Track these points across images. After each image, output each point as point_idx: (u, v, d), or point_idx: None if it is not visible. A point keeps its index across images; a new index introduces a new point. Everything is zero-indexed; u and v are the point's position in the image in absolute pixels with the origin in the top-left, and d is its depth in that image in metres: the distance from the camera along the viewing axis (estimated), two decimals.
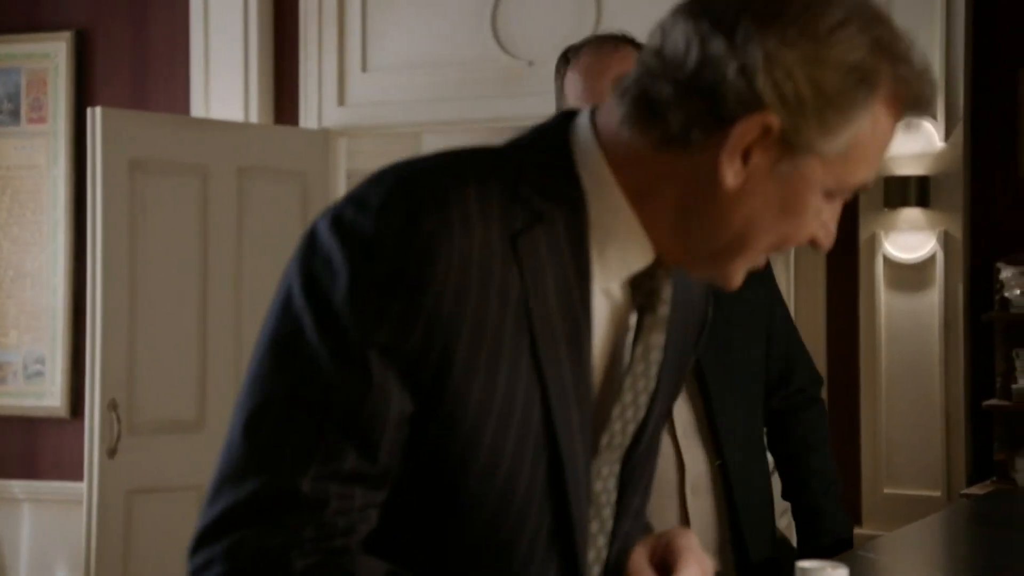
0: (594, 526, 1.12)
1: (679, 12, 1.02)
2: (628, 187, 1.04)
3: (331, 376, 0.97)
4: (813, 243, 1.07)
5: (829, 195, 1.03)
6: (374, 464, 0.99)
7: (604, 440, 1.10)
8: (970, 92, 3.96)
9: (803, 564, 1.25)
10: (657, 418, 1.16)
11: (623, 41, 2.01)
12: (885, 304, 3.89)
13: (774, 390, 2.14)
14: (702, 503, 1.89)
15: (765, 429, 2.15)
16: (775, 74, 0.97)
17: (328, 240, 0.99)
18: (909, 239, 3.93)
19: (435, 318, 0.97)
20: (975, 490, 3.55)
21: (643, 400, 1.12)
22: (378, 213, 0.98)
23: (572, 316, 1.03)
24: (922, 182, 3.91)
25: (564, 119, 1.09)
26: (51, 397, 4.82)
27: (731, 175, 1.00)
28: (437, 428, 1.01)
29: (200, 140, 4.40)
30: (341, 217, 1.00)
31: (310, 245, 1.01)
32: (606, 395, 1.09)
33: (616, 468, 1.13)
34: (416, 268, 0.96)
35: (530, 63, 4.63)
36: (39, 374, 4.85)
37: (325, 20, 4.88)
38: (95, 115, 4.18)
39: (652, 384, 1.12)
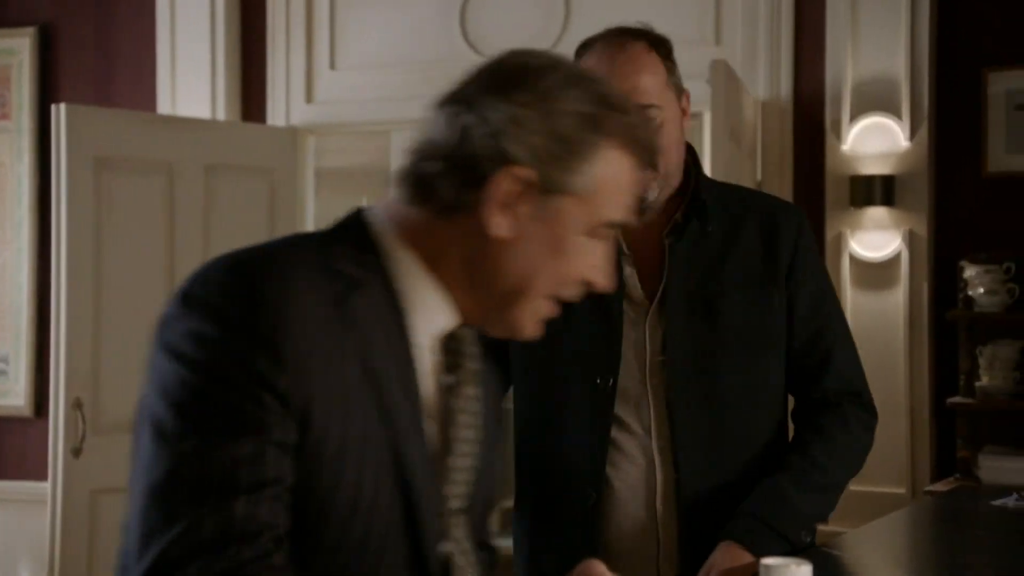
0: (454, 555, 1.21)
1: (437, 104, 1.21)
2: (422, 257, 1.18)
3: (225, 417, 1.04)
4: (589, 284, 1.22)
5: (591, 233, 1.18)
6: (282, 482, 1.07)
7: (448, 490, 1.20)
8: (935, 92, 4.00)
9: (767, 561, 1.26)
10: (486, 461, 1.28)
11: (637, 36, 1.97)
12: (851, 302, 3.92)
13: (805, 391, 1.98)
14: (668, 513, 1.87)
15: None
16: (516, 132, 1.14)
17: (182, 314, 1.09)
18: (875, 238, 3.96)
19: (294, 369, 1.06)
20: (939, 487, 3.58)
21: (468, 449, 1.23)
22: (222, 287, 1.09)
23: (401, 367, 1.15)
24: (887, 181, 3.94)
25: (358, 211, 1.23)
26: (15, 396, 4.78)
27: (496, 225, 1.15)
28: (303, 472, 1.08)
29: (166, 137, 4.37)
30: (189, 294, 1.10)
31: (166, 324, 1.11)
32: (444, 443, 1.20)
33: (466, 536, 1.24)
34: (269, 327, 1.06)
35: None
36: (3, 373, 4.81)
37: (293, 17, 4.86)
38: (59, 112, 4.15)
39: (479, 434, 1.24)
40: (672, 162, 1.93)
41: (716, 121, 3.59)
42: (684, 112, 1.99)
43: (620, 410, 1.89)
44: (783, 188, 4.05)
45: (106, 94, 4.97)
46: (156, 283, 4.20)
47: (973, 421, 3.79)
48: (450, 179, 1.16)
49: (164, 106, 4.82)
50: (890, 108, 3.96)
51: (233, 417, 1.05)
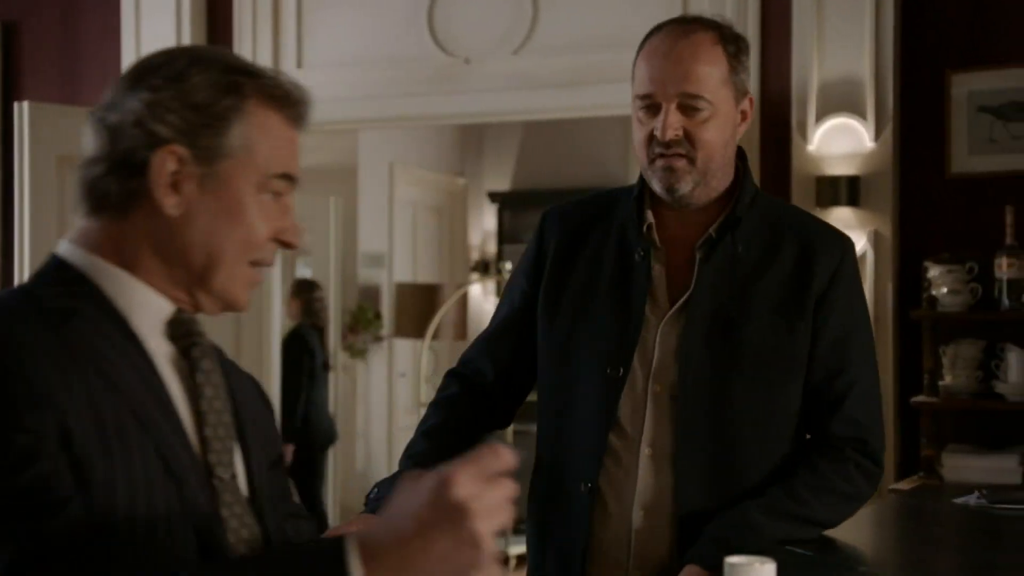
0: (240, 546, 1.25)
1: (88, 120, 1.28)
2: (120, 263, 1.24)
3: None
4: (283, 244, 1.29)
5: (262, 188, 1.25)
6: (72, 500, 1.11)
7: (212, 459, 1.24)
8: (899, 93, 4.03)
9: (731, 560, 1.27)
10: (260, 461, 1.33)
11: (710, 26, 1.89)
12: None
13: (812, 428, 1.90)
14: (648, 526, 1.84)
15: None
16: (157, 112, 1.22)
17: None
18: None
19: (38, 405, 1.09)
20: (903, 485, 3.61)
21: (226, 419, 1.28)
22: None
23: (140, 371, 1.20)
24: (852, 182, 3.97)
25: (51, 255, 1.28)
26: None
27: (170, 206, 1.22)
28: (82, 495, 1.12)
29: None
30: None
31: None
32: (200, 424, 1.25)
33: (242, 500, 1.28)
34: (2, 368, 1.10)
35: (466, 60, 4.62)
36: None
37: (260, 16, 4.83)
38: (22, 110, 4.11)
39: (227, 404, 1.29)
40: (714, 161, 1.87)
41: None
42: (744, 116, 1.92)
43: (620, 409, 1.87)
44: None
45: (70, 92, 4.93)
46: None
47: (937, 419, 3.83)
48: (114, 178, 1.23)
49: None
50: (855, 109, 3.99)
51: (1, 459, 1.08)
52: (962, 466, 3.57)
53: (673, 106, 1.85)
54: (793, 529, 1.77)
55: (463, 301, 7.53)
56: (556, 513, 1.92)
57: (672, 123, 1.84)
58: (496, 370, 2.04)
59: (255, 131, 1.25)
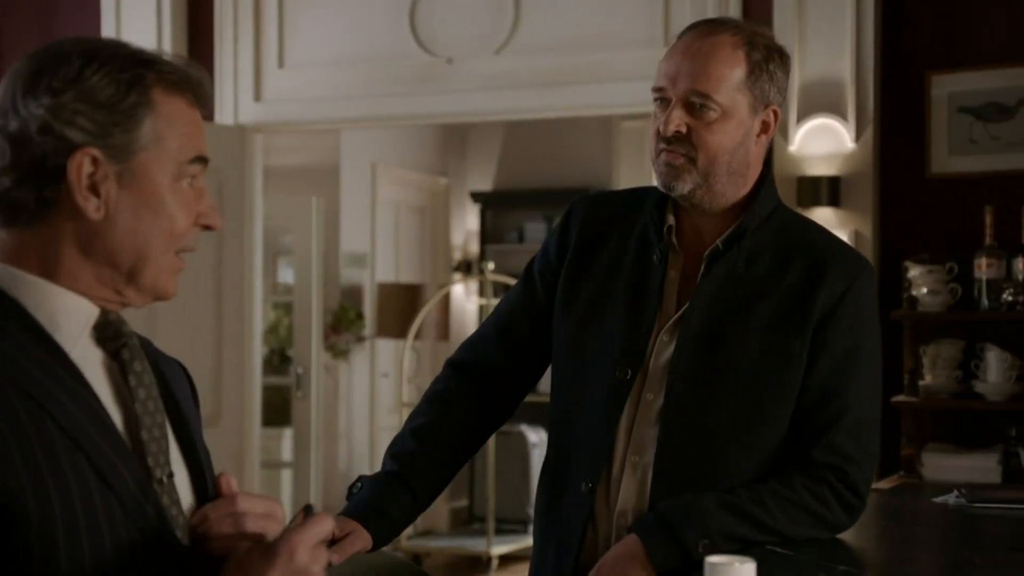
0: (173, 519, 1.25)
1: None
2: (41, 271, 1.22)
3: None
4: (204, 227, 1.28)
5: (178, 176, 1.25)
6: None
7: (150, 461, 1.23)
8: (879, 94, 4.05)
9: (712, 559, 1.27)
10: (202, 447, 1.34)
11: (737, 30, 1.85)
12: None
13: (795, 449, 1.83)
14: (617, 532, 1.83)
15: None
16: (63, 116, 1.18)
17: None
18: None
19: None
20: (883, 484, 3.62)
21: (160, 418, 1.27)
22: None
23: (66, 384, 1.18)
24: (833, 182, 3.99)
25: None
26: None
27: (92, 209, 1.20)
28: (11, 533, 1.11)
29: None
30: None
31: None
32: (135, 428, 1.24)
33: (178, 500, 1.26)
34: None
35: (448, 60, 4.62)
36: None
37: (241, 15, 4.82)
38: None
39: (160, 403, 1.28)
40: (717, 165, 1.83)
41: None
42: (766, 127, 1.87)
43: (624, 412, 1.84)
44: None
45: None
46: None
47: (917, 419, 3.85)
48: (26, 188, 1.20)
49: None
50: (836, 110, 4.01)
51: None
52: (942, 465, 3.59)
53: (679, 102, 1.83)
54: (745, 530, 1.73)
55: (445, 301, 7.53)
56: (557, 510, 1.91)
57: (674, 119, 1.82)
58: (506, 357, 2.01)
59: (163, 121, 1.24)
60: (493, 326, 2.04)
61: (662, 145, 1.84)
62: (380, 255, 7.22)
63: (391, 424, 7.01)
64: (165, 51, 1.29)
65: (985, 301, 3.80)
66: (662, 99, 1.86)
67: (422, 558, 6.59)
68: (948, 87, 4.03)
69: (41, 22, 4.95)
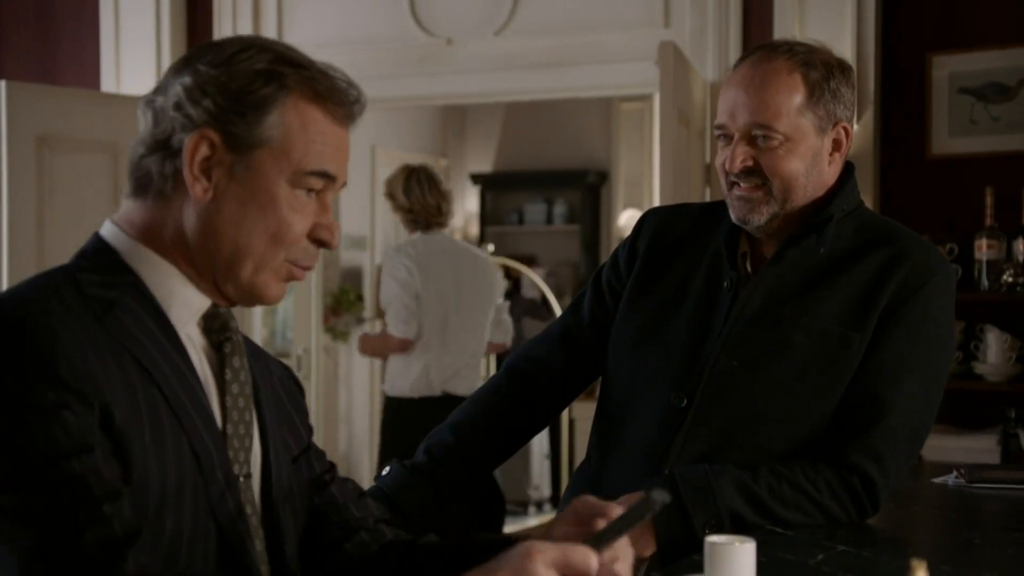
0: (257, 545, 1.28)
1: (141, 102, 1.27)
2: (161, 250, 1.25)
3: (44, 449, 1.08)
4: (319, 242, 1.27)
5: (295, 183, 1.23)
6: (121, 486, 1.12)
7: (231, 455, 1.26)
8: (879, 75, 4.04)
9: (712, 538, 1.28)
10: (281, 459, 1.34)
11: (792, 53, 1.81)
12: None
13: (828, 440, 1.78)
14: None
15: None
16: (193, 95, 1.21)
17: None
18: None
19: (80, 389, 1.10)
20: None
21: (248, 417, 1.29)
22: None
23: (176, 365, 1.21)
24: None
25: (96, 235, 1.29)
26: None
27: (199, 188, 1.22)
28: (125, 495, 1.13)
29: (110, 116, 4.31)
30: None
31: None
32: (223, 420, 1.27)
33: (254, 500, 1.30)
34: (41, 361, 1.09)
35: (448, 41, 4.61)
36: None
37: None
38: (0, 89, 4.07)
39: (251, 402, 1.30)
40: (794, 191, 1.81)
41: (664, 103, 3.60)
42: (837, 145, 1.85)
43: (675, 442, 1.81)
44: None
45: (48, 71, 4.89)
46: None
47: None
48: (153, 160, 1.23)
49: (108, 84, 4.75)
50: None
51: (50, 445, 1.08)
52: (941, 446, 3.59)
53: (742, 138, 1.80)
54: (756, 518, 1.71)
55: None
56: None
57: (738, 155, 1.80)
58: (566, 362, 2.00)
59: (293, 125, 1.23)
60: (558, 330, 2.03)
61: (732, 179, 1.82)
62: (380, 237, 7.21)
63: None
64: (334, 65, 1.29)
65: (985, 282, 3.80)
66: (723, 135, 1.84)
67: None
68: (948, 68, 4.02)
69: (41, 21, 4.93)
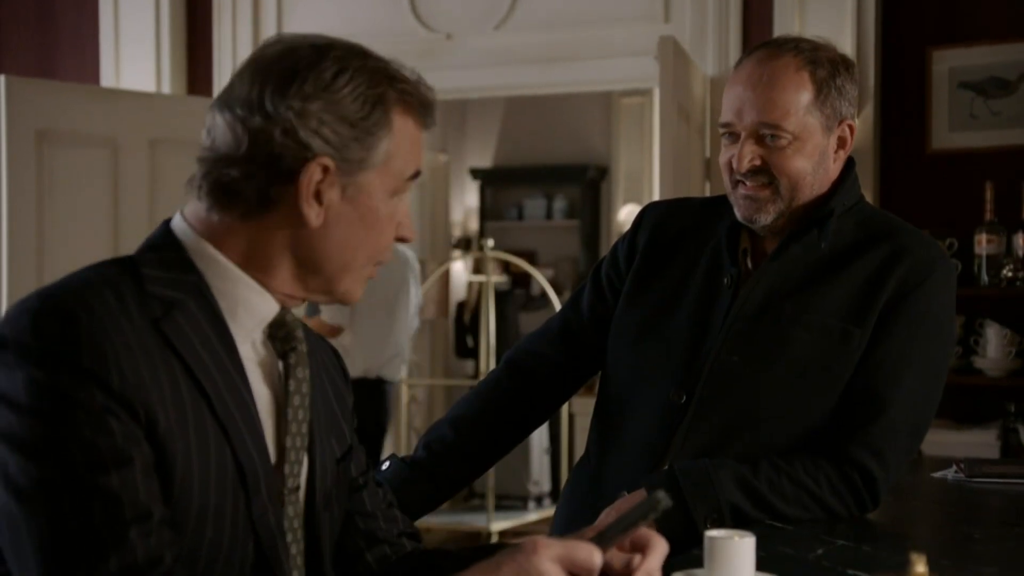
0: (291, 561, 1.27)
1: (213, 109, 1.24)
2: (235, 258, 1.24)
3: (85, 455, 1.08)
4: (400, 238, 1.31)
5: (394, 193, 1.27)
6: (158, 505, 1.12)
7: (287, 470, 1.26)
8: (880, 70, 4.04)
9: (711, 533, 1.28)
10: (326, 465, 1.34)
11: (799, 50, 1.79)
12: None
13: (829, 434, 1.78)
14: None
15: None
16: (310, 124, 1.19)
17: (5, 361, 1.10)
18: None
19: (127, 396, 1.09)
20: None
21: (305, 429, 1.29)
22: (36, 329, 1.10)
23: (229, 376, 1.20)
24: None
25: (166, 227, 1.27)
26: None
27: (313, 216, 1.22)
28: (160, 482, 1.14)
29: (110, 111, 4.31)
30: (7, 339, 1.11)
31: None
32: (281, 434, 1.26)
33: (300, 512, 1.29)
34: (92, 361, 1.09)
35: (448, 36, 4.60)
36: None
37: None
38: (0, 84, 4.07)
39: (308, 414, 1.29)
40: (801, 190, 1.80)
41: (664, 98, 3.60)
42: (842, 142, 1.85)
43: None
44: None
45: (48, 66, 4.89)
46: (100, 258, 4.13)
47: None
48: (254, 182, 1.21)
49: (108, 78, 4.75)
50: None
51: (92, 454, 1.08)
52: (941, 440, 3.59)
53: (749, 136, 1.78)
54: (756, 513, 1.71)
55: (445, 278, 7.52)
56: (586, 513, 1.87)
57: (746, 154, 1.78)
58: (566, 356, 1.99)
59: (396, 141, 1.25)
60: (558, 325, 2.03)
61: (738, 178, 1.80)
62: None
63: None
64: (402, 63, 1.29)
65: (985, 277, 3.80)
66: (729, 133, 1.82)
67: (422, 534, 6.62)
68: (949, 62, 4.02)
69: (40, 15, 4.93)
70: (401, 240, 1.31)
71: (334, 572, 1.37)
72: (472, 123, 8.15)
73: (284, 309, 1.28)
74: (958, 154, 4.02)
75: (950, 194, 4.01)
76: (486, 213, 8.04)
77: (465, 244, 8.01)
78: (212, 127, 1.24)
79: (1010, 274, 3.78)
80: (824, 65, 1.80)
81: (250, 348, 1.25)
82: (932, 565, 1.21)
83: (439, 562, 1.43)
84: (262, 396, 1.25)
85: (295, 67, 1.21)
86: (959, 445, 3.60)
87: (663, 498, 1.14)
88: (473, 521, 6.68)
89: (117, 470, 1.08)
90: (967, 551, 1.66)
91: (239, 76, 1.24)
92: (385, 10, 4.66)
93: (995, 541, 1.72)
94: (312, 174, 1.20)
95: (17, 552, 1.10)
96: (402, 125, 1.25)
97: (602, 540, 1.14)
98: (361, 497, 1.44)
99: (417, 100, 1.27)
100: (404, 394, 6.36)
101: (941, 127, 4.04)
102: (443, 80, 4.67)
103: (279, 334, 1.27)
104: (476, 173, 8.05)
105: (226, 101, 1.23)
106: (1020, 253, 3.78)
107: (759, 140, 1.78)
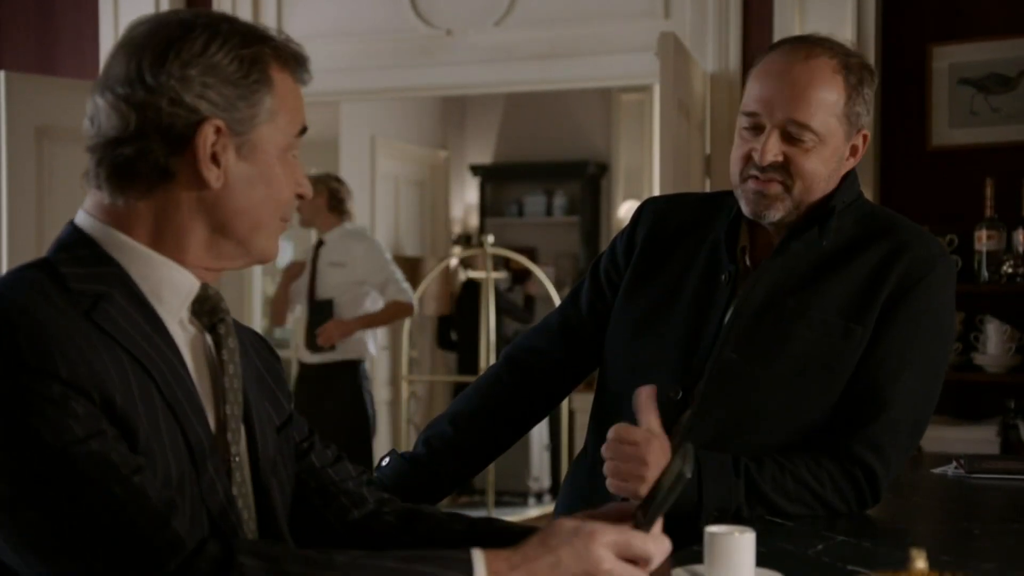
0: (244, 527, 1.29)
1: (92, 95, 1.27)
2: (146, 240, 1.25)
3: (56, 437, 1.08)
4: (299, 196, 1.33)
5: (287, 149, 1.30)
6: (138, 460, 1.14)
7: (229, 437, 1.28)
8: (880, 66, 4.03)
9: (711, 529, 1.28)
10: (266, 432, 1.36)
11: (834, 52, 1.78)
12: None
13: (830, 431, 1.78)
14: None
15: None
16: (193, 89, 1.22)
17: None
18: None
19: (80, 383, 1.10)
20: None
21: (240, 398, 1.31)
22: None
23: (166, 357, 1.22)
24: None
25: (71, 226, 1.29)
26: None
27: (214, 179, 1.24)
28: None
29: None
30: None
31: None
32: (219, 403, 1.29)
33: (247, 478, 1.32)
34: (39, 356, 1.10)
35: (448, 32, 4.60)
36: None
37: None
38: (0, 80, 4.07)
39: (242, 382, 1.32)
40: (812, 193, 1.79)
41: (665, 94, 3.60)
42: (854, 150, 1.83)
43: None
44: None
45: (48, 62, 4.88)
46: None
47: None
48: (150, 157, 1.23)
49: None
50: None
51: (65, 432, 1.09)
52: (941, 437, 3.59)
53: (776, 131, 1.76)
54: (759, 510, 1.72)
55: (445, 274, 7.52)
56: (584, 506, 1.85)
57: (771, 148, 1.75)
58: (565, 352, 1.99)
59: (278, 97, 1.28)
60: (557, 320, 2.02)
61: (753, 171, 1.78)
62: (380, 228, 7.21)
63: (389, 397, 7.02)
64: (270, 27, 1.33)
65: (985, 273, 3.80)
66: (754, 125, 1.79)
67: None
68: (949, 59, 4.01)
69: (40, 11, 4.93)
70: (300, 197, 1.34)
71: (295, 538, 1.38)
72: (472, 119, 8.14)
73: (205, 285, 1.30)
74: (958, 150, 4.02)
75: (950, 190, 4.01)
76: (486, 210, 8.03)
77: (465, 240, 8.01)
78: (95, 113, 1.26)
79: (1010, 270, 3.78)
80: (855, 71, 1.79)
81: (178, 327, 1.27)
82: (932, 561, 1.22)
83: (430, 527, 1.45)
84: (196, 372, 1.27)
85: (168, 39, 1.24)
86: (959, 441, 3.60)
87: (688, 463, 1.17)
88: None
89: (94, 439, 1.09)
90: (967, 547, 1.66)
91: (113, 58, 1.27)
92: (385, 6, 4.66)
93: (995, 537, 1.72)
94: (206, 136, 1.22)
95: (19, 550, 1.10)
96: (281, 82, 1.29)
97: (646, 524, 1.17)
98: (309, 460, 1.46)
99: (291, 55, 1.31)
100: (404, 390, 6.37)
101: (941, 123, 4.04)
102: (443, 76, 4.67)
103: (204, 308, 1.30)
104: (476, 169, 8.05)
105: (105, 84, 1.25)
106: (1020, 249, 3.78)
107: (784, 136, 1.76)
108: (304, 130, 1.33)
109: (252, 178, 1.27)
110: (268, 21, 4.76)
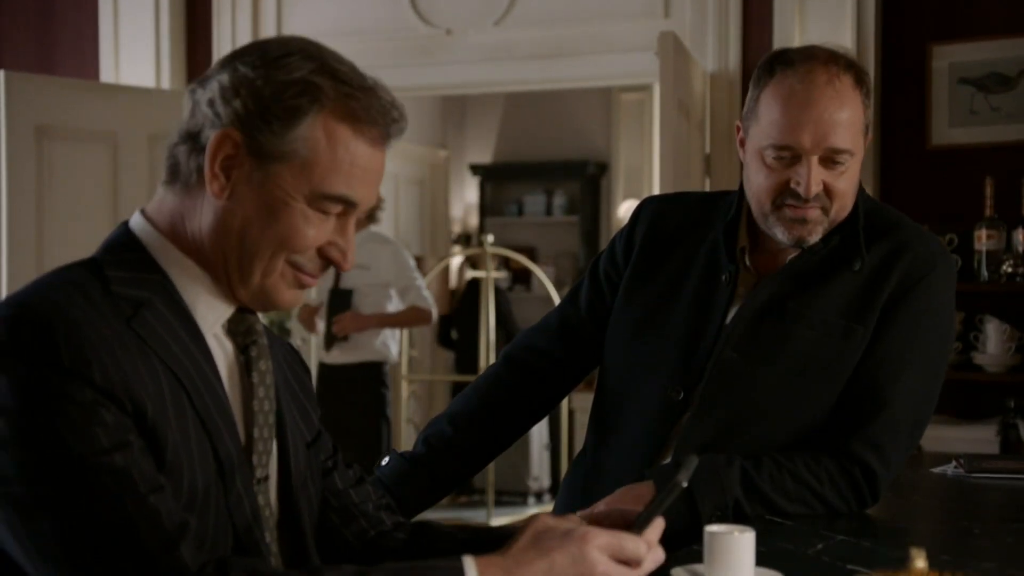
0: (265, 548, 1.27)
1: (187, 90, 1.26)
2: (186, 248, 1.24)
3: (84, 445, 1.07)
4: (329, 260, 1.25)
5: (312, 203, 1.20)
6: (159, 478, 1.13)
7: (255, 460, 1.27)
8: (880, 65, 4.03)
9: (711, 528, 1.28)
10: (298, 448, 1.35)
11: (848, 68, 1.76)
12: None
13: (829, 430, 1.78)
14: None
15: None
16: (226, 94, 1.19)
17: None
18: None
19: (112, 390, 1.09)
20: None
21: (272, 420, 1.30)
22: (10, 334, 1.09)
23: (202, 370, 1.20)
24: None
25: (125, 227, 1.27)
26: None
27: (216, 186, 1.20)
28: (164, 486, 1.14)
29: (109, 106, 4.31)
30: None
31: None
32: (248, 425, 1.27)
33: (271, 500, 1.31)
34: (68, 357, 1.08)
35: (448, 32, 4.60)
36: None
37: None
38: None
39: (274, 404, 1.30)
40: (846, 209, 1.79)
41: (665, 94, 3.59)
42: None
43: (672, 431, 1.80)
44: (731, 161, 4.08)
45: (47, 61, 4.88)
46: None
47: None
48: (184, 150, 1.23)
49: (107, 74, 4.74)
50: None
51: (91, 440, 1.08)
52: (941, 436, 3.59)
53: (815, 160, 1.73)
54: (759, 510, 1.71)
55: (445, 274, 7.52)
56: (583, 505, 1.85)
57: (815, 179, 1.73)
58: (564, 351, 1.99)
59: (320, 142, 1.19)
60: (556, 320, 2.02)
61: (791, 200, 1.75)
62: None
63: (389, 396, 7.01)
64: (380, 81, 1.26)
65: (985, 273, 3.80)
66: (787, 156, 1.74)
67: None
68: (949, 58, 4.01)
69: (40, 11, 4.92)
70: (328, 262, 1.25)
71: (317, 554, 1.38)
72: (472, 119, 8.14)
73: (240, 309, 1.27)
74: (958, 150, 4.01)
75: (950, 190, 4.01)
76: (486, 209, 8.03)
77: (465, 240, 8.01)
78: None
79: (1010, 270, 3.78)
80: (866, 82, 1.78)
81: (213, 341, 1.25)
82: (932, 560, 1.21)
83: (434, 539, 1.44)
84: (230, 386, 1.26)
85: (249, 48, 1.23)
86: (959, 441, 3.60)
87: (683, 475, 1.19)
88: (473, 516, 6.68)
89: (118, 451, 1.09)
90: (967, 546, 1.66)
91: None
92: (385, 6, 4.65)
93: (994, 536, 1.72)
94: (219, 143, 1.19)
95: (28, 551, 1.09)
96: (333, 130, 1.20)
97: (638, 526, 1.18)
98: (332, 478, 1.45)
99: (363, 108, 1.21)
100: (404, 389, 6.36)
101: (941, 123, 4.04)
102: (443, 76, 4.67)
103: (239, 329, 1.28)
104: (476, 169, 8.05)
105: (195, 81, 1.26)
106: (1020, 249, 3.78)
107: (821, 162, 1.74)
108: (349, 201, 1.22)
109: (258, 206, 1.20)
110: (268, 21, 4.76)
